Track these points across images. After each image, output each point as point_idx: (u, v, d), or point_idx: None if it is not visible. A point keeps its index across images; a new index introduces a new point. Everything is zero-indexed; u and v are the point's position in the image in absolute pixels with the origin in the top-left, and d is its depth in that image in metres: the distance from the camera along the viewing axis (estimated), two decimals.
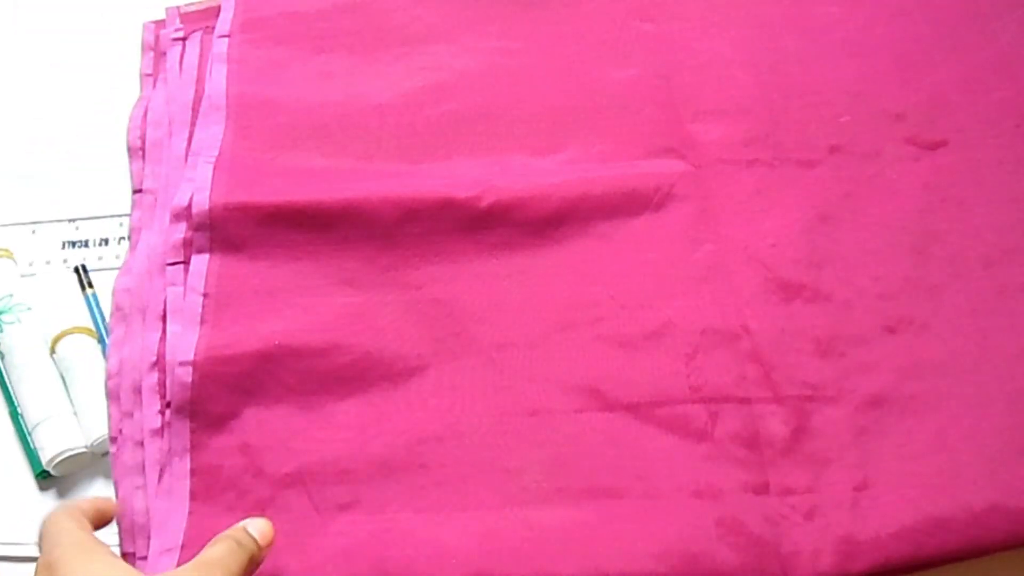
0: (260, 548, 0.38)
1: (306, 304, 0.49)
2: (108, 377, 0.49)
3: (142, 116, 0.57)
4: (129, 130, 0.57)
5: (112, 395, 0.49)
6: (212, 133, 0.54)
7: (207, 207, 0.50)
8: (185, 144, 0.55)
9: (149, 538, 0.44)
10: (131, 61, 0.60)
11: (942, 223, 0.50)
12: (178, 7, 0.62)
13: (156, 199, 0.54)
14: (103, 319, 0.52)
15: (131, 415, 0.47)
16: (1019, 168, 0.51)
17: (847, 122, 0.53)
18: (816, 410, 0.45)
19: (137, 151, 0.57)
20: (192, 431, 0.46)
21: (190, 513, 0.44)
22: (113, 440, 0.47)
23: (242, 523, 0.38)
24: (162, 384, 0.48)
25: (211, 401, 0.46)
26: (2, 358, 0.51)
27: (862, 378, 0.46)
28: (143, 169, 0.56)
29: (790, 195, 0.47)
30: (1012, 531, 0.42)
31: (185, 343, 0.47)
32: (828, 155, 0.52)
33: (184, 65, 0.59)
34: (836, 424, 0.45)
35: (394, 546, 0.43)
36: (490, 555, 0.43)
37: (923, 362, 0.47)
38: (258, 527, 0.38)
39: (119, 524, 0.45)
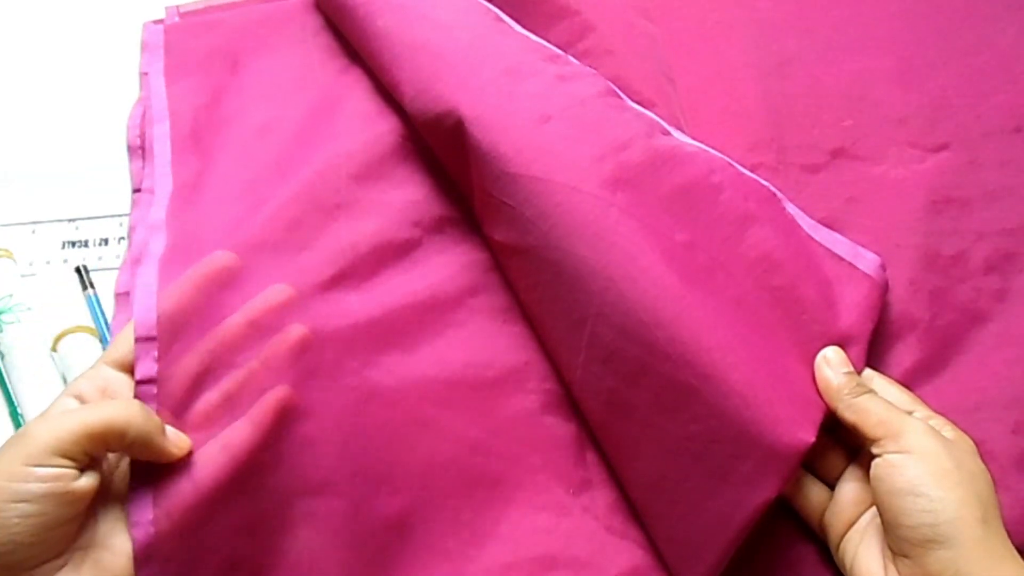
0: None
1: None
2: None
3: (141, 116, 0.57)
4: (128, 129, 0.57)
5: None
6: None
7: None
8: None
9: None
10: (131, 61, 0.60)
11: (945, 226, 0.50)
12: (177, 6, 0.62)
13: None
14: (104, 319, 0.52)
15: None
16: (1021, 171, 0.51)
17: (850, 126, 0.52)
18: None
19: (137, 150, 0.56)
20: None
21: None
22: None
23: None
24: None
25: None
26: (2, 358, 0.51)
27: None
28: (143, 169, 0.55)
29: (794, 199, 0.48)
30: None
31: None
32: (831, 159, 0.52)
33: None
34: None
35: None
36: None
37: (923, 368, 0.47)
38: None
39: None
